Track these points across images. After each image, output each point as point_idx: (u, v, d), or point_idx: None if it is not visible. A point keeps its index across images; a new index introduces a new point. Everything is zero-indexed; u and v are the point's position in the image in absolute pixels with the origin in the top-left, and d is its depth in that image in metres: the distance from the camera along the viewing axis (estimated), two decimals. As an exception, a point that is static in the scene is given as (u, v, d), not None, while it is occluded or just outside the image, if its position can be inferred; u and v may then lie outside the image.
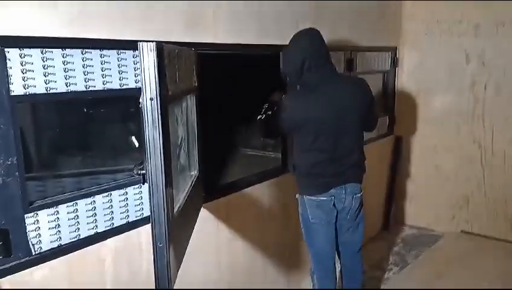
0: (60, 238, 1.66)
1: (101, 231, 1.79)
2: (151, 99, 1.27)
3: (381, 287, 3.05)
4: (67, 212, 1.67)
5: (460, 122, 3.71)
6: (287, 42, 2.59)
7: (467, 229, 3.84)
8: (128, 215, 1.88)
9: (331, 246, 2.37)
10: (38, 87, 1.51)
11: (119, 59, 1.74)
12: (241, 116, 3.71)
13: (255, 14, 2.38)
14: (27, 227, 1.55)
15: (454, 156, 3.79)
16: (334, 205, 2.25)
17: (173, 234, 1.42)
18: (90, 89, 1.66)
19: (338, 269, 2.51)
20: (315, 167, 2.21)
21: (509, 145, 3.52)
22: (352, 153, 2.23)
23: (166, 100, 1.36)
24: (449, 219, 3.92)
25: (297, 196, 2.36)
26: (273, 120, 2.27)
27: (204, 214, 2.22)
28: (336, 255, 2.46)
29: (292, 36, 2.19)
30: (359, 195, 2.30)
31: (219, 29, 2.18)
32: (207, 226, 2.29)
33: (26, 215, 1.55)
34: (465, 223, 3.85)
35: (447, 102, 3.76)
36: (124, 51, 1.74)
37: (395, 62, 3.85)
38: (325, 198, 2.23)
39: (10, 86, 1.44)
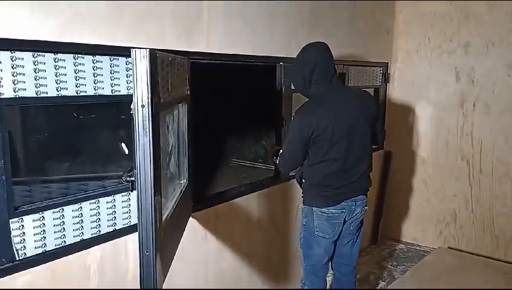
0: (45, 244, 1.64)
1: (87, 238, 1.76)
2: (143, 106, 1.26)
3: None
4: (53, 218, 1.65)
5: (449, 139, 3.76)
6: (280, 54, 2.62)
7: (454, 245, 3.86)
8: (115, 223, 1.86)
9: (328, 260, 2.38)
10: (29, 90, 1.50)
11: (112, 65, 1.74)
12: (233, 126, 3.72)
13: (249, 25, 2.40)
14: (11, 232, 1.53)
15: (442, 172, 3.83)
16: (344, 219, 2.25)
17: (161, 243, 1.41)
18: (81, 94, 1.65)
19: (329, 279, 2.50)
20: (327, 178, 2.20)
21: (496, 163, 3.56)
22: (362, 164, 2.25)
23: (158, 108, 1.36)
24: (436, 234, 3.95)
25: (301, 206, 2.35)
26: (287, 147, 2.26)
27: (192, 223, 2.21)
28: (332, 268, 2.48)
29: (301, 48, 2.22)
30: (366, 207, 2.33)
31: (212, 39, 2.19)
32: (195, 236, 2.27)
33: (11, 220, 1.52)
34: (453, 239, 3.87)
35: (437, 118, 3.80)
36: (116, 57, 1.74)
37: (386, 78, 3.90)
38: (336, 211, 2.22)
39: (0, 88, 1.42)
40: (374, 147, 2.42)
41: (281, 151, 2.31)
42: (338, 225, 2.26)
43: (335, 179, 2.20)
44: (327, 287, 2.48)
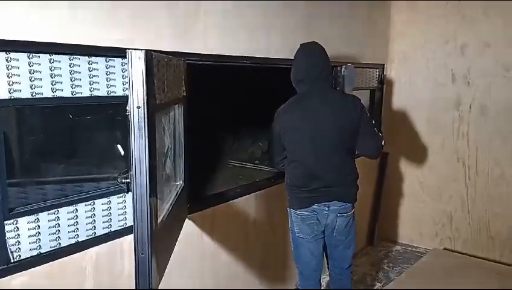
0: (40, 246, 1.63)
1: (83, 240, 1.75)
2: (138, 107, 1.26)
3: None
4: (48, 220, 1.64)
5: (445, 141, 3.77)
6: (276, 56, 2.62)
7: (450, 246, 3.87)
8: (111, 225, 1.85)
9: (316, 263, 2.35)
10: (24, 91, 1.49)
11: (108, 66, 1.73)
12: (230, 127, 3.72)
13: (246, 27, 2.40)
14: (6, 234, 1.52)
15: (438, 174, 3.84)
16: (318, 220, 2.24)
17: (156, 244, 1.40)
18: (77, 95, 1.64)
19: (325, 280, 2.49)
20: (297, 180, 2.23)
21: (492, 165, 3.58)
22: (339, 171, 2.20)
23: (154, 109, 1.36)
24: (433, 235, 3.95)
25: (287, 208, 2.36)
26: (268, 143, 2.33)
27: (188, 224, 2.20)
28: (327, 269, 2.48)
29: (299, 47, 2.27)
30: (345, 214, 2.24)
31: (209, 40, 2.18)
32: (191, 237, 2.26)
33: (5, 222, 1.51)
34: (449, 240, 3.88)
35: (433, 120, 3.81)
36: (112, 58, 1.74)
37: (382, 79, 3.91)
38: (307, 213, 2.23)
39: (-5, 89, 1.42)
40: (357, 154, 2.34)
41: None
42: (316, 225, 2.24)
43: (305, 181, 2.21)
44: (323, 288, 2.47)
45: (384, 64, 3.88)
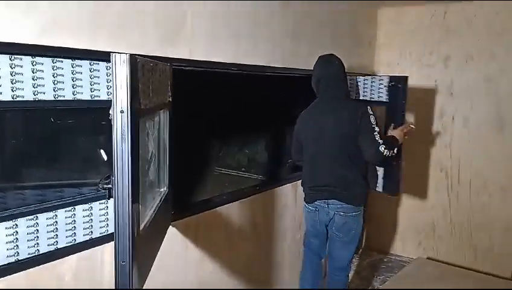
0: (18, 253, 1.58)
1: (62, 247, 1.71)
2: (122, 111, 1.24)
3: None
4: (27, 226, 1.59)
5: (428, 151, 3.81)
6: (263, 63, 2.64)
7: (433, 255, 3.90)
8: (92, 232, 1.81)
9: (317, 247, 2.66)
10: (4, 94, 1.45)
11: (92, 70, 1.70)
12: (217, 134, 3.70)
13: (233, 34, 2.40)
14: (-18, 240, 1.47)
15: (421, 183, 3.88)
16: (319, 215, 2.52)
17: (138, 252, 1.37)
18: (59, 98, 1.61)
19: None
20: (305, 177, 2.58)
21: (474, 175, 3.63)
22: (339, 172, 2.43)
23: (138, 114, 1.34)
24: (416, 245, 3.98)
25: None
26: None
27: (172, 232, 2.17)
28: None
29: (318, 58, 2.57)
30: (343, 214, 2.44)
31: (196, 46, 2.17)
32: (175, 245, 2.23)
33: (-19, 228, 1.47)
34: (431, 249, 3.91)
35: (416, 131, 3.84)
36: (97, 61, 1.71)
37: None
38: (311, 207, 2.56)
39: (-26, 91, 1.38)
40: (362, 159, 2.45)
41: None
42: (317, 219, 2.54)
43: (310, 179, 2.54)
44: (316, 279, 2.75)
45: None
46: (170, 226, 2.13)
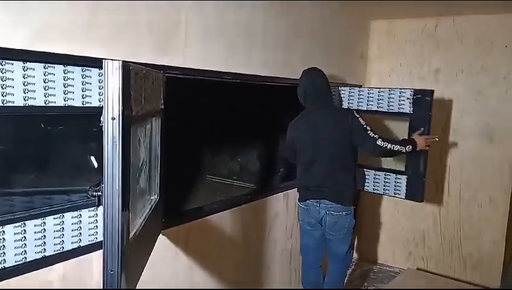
0: (4, 260, 1.55)
1: (50, 254, 1.68)
2: (113, 118, 1.23)
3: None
4: (14, 233, 1.57)
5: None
6: (256, 72, 2.65)
7: (423, 266, 3.91)
8: (80, 239, 1.78)
9: (314, 245, 2.78)
10: (-6, 99, 1.44)
11: (84, 76, 1.70)
12: (209, 142, 3.70)
13: (227, 43, 2.41)
14: (-33, 247, 1.45)
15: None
16: (311, 213, 2.68)
17: (127, 261, 1.36)
18: (50, 104, 1.60)
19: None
20: (300, 178, 2.75)
21: (464, 186, 3.66)
22: (332, 174, 2.62)
23: (129, 121, 1.33)
24: (406, 255, 3.99)
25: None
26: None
27: (163, 240, 2.15)
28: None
29: (302, 71, 2.73)
30: (334, 213, 2.63)
31: (189, 54, 2.18)
32: (165, 253, 2.21)
33: (-33, 235, 1.44)
34: (421, 260, 3.92)
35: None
36: (89, 68, 1.70)
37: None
38: (305, 206, 2.73)
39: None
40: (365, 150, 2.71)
41: None
42: (309, 216, 2.70)
43: (304, 180, 2.71)
44: (318, 271, 2.86)
45: (361, 85, 3.93)
46: (160, 234, 2.11)
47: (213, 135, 3.66)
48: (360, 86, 3.96)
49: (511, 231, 3.56)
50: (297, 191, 2.81)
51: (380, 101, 3.12)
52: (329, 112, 2.69)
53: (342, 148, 2.61)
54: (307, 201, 2.69)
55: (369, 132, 2.57)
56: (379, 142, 2.54)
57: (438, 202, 3.78)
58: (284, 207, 3.16)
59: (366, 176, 3.23)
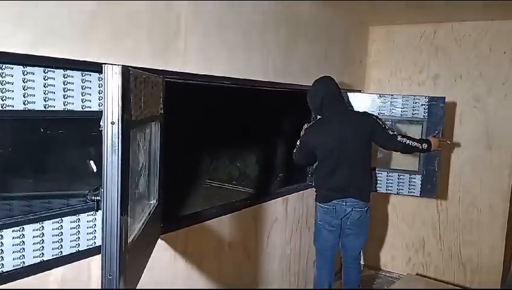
0: (3, 265, 1.55)
1: (48, 259, 1.68)
2: (113, 123, 1.24)
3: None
4: (13, 237, 1.57)
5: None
6: (256, 77, 2.65)
7: (423, 271, 3.90)
8: (79, 244, 1.78)
9: (330, 246, 2.94)
10: (-6, 103, 1.44)
11: (84, 81, 1.70)
12: (208, 147, 3.70)
13: (226, 48, 2.41)
14: (-35, 251, 1.44)
15: (411, 199, 3.89)
16: (336, 213, 2.81)
17: (125, 266, 1.35)
18: (50, 109, 1.60)
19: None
20: (323, 180, 2.86)
21: (463, 192, 3.66)
22: (354, 174, 2.78)
23: (129, 125, 1.33)
24: (405, 261, 3.98)
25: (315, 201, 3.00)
26: (298, 148, 2.89)
27: (161, 245, 2.15)
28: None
29: (314, 81, 2.85)
30: (359, 209, 2.83)
31: (189, 59, 2.18)
32: (163, 258, 2.20)
33: (-35, 239, 1.44)
34: (421, 265, 3.91)
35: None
36: (89, 72, 1.71)
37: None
38: (328, 207, 2.84)
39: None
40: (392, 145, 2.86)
41: (296, 147, 2.90)
42: (333, 217, 2.83)
43: (329, 182, 2.81)
44: (333, 269, 3.04)
45: (360, 90, 3.94)
46: (159, 239, 2.10)
47: (212, 140, 3.66)
48: (359, 92, 3.97)
49: (510, 236, 3.56)
50: (317, 193, 2.93)
51: (394, 108, 3.32)
52: (349, 117, 2.86)
53: (363, 150, 2.79)
54: (333, 201, 2.81)
55: (388, 130, 2.78)
56: (399, 138, 2.76)
57: (437, 207, 3.78)
58: (283, 212, 3.15)
59: (379, 178, 3.40)
